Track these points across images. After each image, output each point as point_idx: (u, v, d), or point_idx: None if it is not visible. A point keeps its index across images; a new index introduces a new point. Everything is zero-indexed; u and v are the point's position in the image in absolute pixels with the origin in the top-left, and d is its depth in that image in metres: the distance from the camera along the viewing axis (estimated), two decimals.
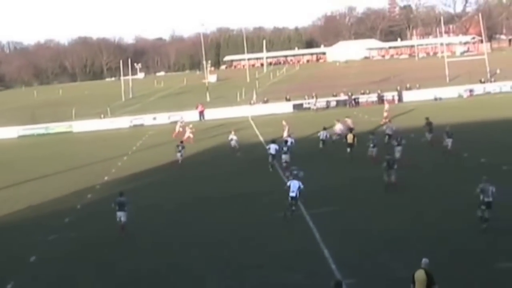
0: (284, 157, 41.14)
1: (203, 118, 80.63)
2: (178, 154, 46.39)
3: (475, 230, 24.46)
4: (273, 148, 42.08)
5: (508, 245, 22.73)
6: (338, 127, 50.57)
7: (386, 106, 64.57)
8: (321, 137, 46.31)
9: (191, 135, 59.04)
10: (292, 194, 28.87)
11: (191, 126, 62.02)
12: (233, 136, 50.83)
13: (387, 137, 45.16)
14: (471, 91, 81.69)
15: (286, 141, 44.06)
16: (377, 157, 39.23)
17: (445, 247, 23.03)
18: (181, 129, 64.44)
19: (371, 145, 41.15)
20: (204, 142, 57.59)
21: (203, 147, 55.06)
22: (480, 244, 22.99)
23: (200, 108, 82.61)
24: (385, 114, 59.88)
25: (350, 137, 43.08)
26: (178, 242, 27.04)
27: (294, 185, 29.02)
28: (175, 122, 69.36)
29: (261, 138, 57.38)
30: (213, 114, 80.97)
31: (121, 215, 28.53)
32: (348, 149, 42.43)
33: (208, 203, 33.84)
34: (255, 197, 33.94)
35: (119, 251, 26.61)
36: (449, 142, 41.54)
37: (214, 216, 30.87)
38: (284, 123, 52.97)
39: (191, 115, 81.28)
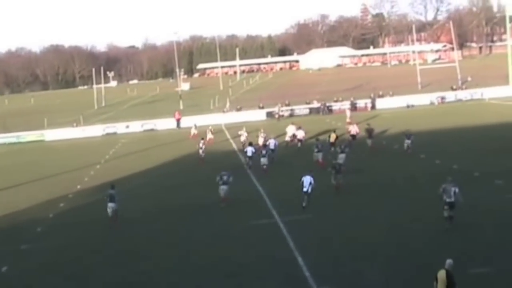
0: (263, 160, 42.24)
1: (179, 126, 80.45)
2: (200, 151, 48.69)
3: (448, 236, 24.62)
4: (249, 150, 44.03)
5: (480, 250, 22.88)
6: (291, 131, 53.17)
7: (348, 113, 67.65)
8: (271, 146, 46.25)
9: (212, 136, 60.15)
10: (304, 189, 30.63)
11: (210, 127, 63.01)
12: (243, 132, 53.44)
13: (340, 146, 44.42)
14: (442, 98, 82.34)
15: (265, 145, 45.52)
16: (324, 161, 41.45)
17: (419, 254, 23.13)
18: (196, 132, 65.36)
19: (316, 150, 43.18)
20: (177, 151, 57.39)
21: (177, 155, 54.88)
22: (453, 251, 23.11)
23: (177, 116, 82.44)
24: (348, 120, 62.56)
25: (333, 137, 47.11)
26: (148, 253, 26.81)
27: (306, 181, 30.68)
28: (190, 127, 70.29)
29: (234, 146, 57.32)
30: (187, 122, 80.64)
31: (112, 206, 31.02)
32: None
33: (181, 212, 33.68)
34: (228, 206, 33.79)
35: (91, 261, 26.39)
36: (407, 143, 44.31)
37: (189, 225, 30.72)
38: (261, 130, 53.01)
39: (165, 123, 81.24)
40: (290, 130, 54.05)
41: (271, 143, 46.23)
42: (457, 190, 25.68)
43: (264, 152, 42.75)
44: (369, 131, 48.46)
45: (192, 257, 25.50)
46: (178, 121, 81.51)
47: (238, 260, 24.59)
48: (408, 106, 78.67)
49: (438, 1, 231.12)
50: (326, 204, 32.15)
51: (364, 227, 27.25)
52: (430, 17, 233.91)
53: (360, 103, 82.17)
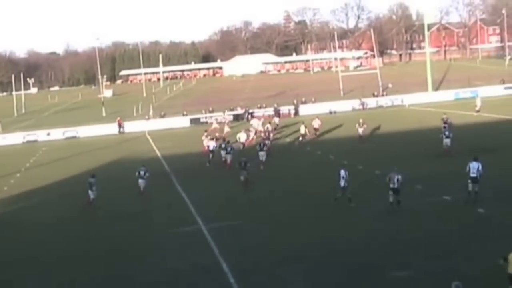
0: (228, 156, 44.90)
1: (121, 131, 79.60)
2: (223, 153, 45.70)
3: (371, 242, 25.00)
4: (211, 144, 48.20)
5: (400, 253, 23.28)
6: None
7: (276, 119, 69.40)
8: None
9: (229, 130, 62.59)
10: (340, 184, 30.89)
11: (228, 122, 66.43)
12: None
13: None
14: (363, 104, 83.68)
15: (228, 141, 47.66)
16: (231, 163, 43.40)
17: (343, 258, 23.38)
18: (217, 126, 67.05)
19: (224, 152, 45.29)
20: (101, 158, 56.68)
21: (101, 162, 54.16)
22: (374, 255, 23.46)
23: (119, 122, 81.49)
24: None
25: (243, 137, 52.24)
26: (70, 260, 26.36)
27: (342, 175, 30.89)
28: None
29: (158, 153, 56.96)
30: (110, 129, 79.83)
31: (91, 194, 35.25)
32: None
33: (104, 220, 33.26)
34: (153, 213, 33.59)
35: (14, 272, 25.74)
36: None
37: (111, 234, 30.32)
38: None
39: (88, 130, 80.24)
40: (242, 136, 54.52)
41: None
42: (400, 177, 28.88)
43: (229, 149, 45.27)
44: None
45: (116, 267, 25.16)
46: (120, 125, 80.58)
47: (164, 267, 24.38)
48: (330, 113, 79.67)
49: (359, 9, 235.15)
50: (250, 210, 32.23)
51: (288, 233, 27.37)
52: (351, 24, 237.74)
53: (284, 109, 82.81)
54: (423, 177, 35.43)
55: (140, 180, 37.65)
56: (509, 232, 24.60)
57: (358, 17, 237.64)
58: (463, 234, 24.93)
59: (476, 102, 68.21)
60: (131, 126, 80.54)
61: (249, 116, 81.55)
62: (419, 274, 21.09)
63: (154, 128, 79.22)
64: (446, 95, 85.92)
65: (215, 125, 67.87)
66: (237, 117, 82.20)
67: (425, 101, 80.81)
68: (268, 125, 58.78)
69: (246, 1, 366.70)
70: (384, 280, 21.06)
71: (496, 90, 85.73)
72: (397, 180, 28.87)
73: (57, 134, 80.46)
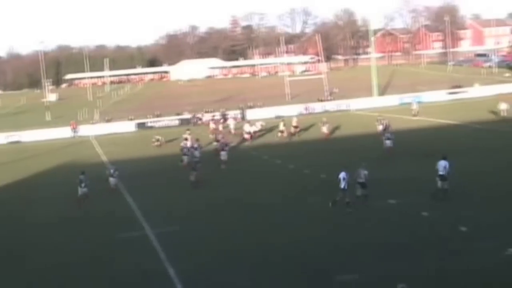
0: (185, 158, 46.33)
1: (75, 134, 78.56)
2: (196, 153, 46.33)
3: (317, 247, 25.14)
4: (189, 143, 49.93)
5: (346, 259, 23.45)
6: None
7: (232, 123, 69.76)
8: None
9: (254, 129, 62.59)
10: (341, 186, 30.56)
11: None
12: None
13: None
14: (306, 109, 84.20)
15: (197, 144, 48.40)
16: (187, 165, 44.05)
17: (289, 263, 23.46)
18: (214, 126, 67.90)
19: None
20: (46, 163, 55.88)
21: (46, 167, 53.42)
22: (320, 260, 23.59)
23: (73, 125, 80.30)
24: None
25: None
26: (21, 267, 25.94)
27: (343, 177, 30.52)
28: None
29: (103, 158, 56.41)
30: (54, 134, 78.68)
31: (80, 190, 36.01)
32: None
33: (50, 225, 32.79)
34: (98, 218, 33.24)
35: None
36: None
37: (55, 240, 29.89)
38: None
39: (32, 135, 78.94)
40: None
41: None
42: (366, 172, 31.16)
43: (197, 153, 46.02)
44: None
45: (62, 272, 24.82)
46: (74, 129, 79.45)
47: (109, 273, 24.15)
48: (277, 117, 79.85)
49: (306, 14, 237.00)
50: (197, 215, 32.15)
51: (234, 238, 27.36)
52: (298, 29, 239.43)
53: (230, 114, 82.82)
54: (369, 181, 35.74)
55: (110, 179, 39.50)
56: (451, 234, 25.03)
57: (305, 23, 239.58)
58: (408, 237, 25.23)
59: (412, 107, 70.15)
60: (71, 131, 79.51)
61: (196, 120, 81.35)
62: (365, 278, 21.27)
63: (99, 132, 78.43)
64: (391, 100, 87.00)
65: (212, 126, 68.22)
66: (183, 122, 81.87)
67: (370, 106, 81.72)
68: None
69: (193, 6, 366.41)
70: (330, 284, 21.19)
71: (440, 95, 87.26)
72: (364, 175, 31.09)
73: (0, 138, 78.94)
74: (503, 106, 63.86)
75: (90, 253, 27.03)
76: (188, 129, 57.84)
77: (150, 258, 25.38)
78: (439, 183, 30.66)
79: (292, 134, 60.51)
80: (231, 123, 69.73)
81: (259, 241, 26.49)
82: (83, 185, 36.23)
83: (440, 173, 30.65)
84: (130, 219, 32.30)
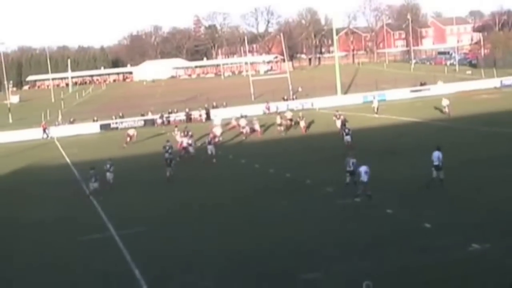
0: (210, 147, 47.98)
1: (47, 135, 77.61)
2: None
3: (281, 246, 25.20)
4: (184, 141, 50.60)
5: (311, 257, 23.54)
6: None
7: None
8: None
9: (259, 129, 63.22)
10: (435, 163, 31.70)
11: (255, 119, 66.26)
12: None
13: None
14: (268, 108, 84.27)
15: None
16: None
17: (253, 264, 23.49)
18: (235, 123, 67.05)
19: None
20: (4, 167, 55.22)
21: (5, 171, 52.78)
22: (284, 260, 23.64)
23: (44, 126, 79.36)
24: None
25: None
26: None
27: (364, 170, 31.20)
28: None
29: (67, 160, 55.92)
30: (15, 136, 77.71)
31: (92, 185, 37.34)
32: None
33: (12, 229, 32.42)
34: (62, 221, 32.95)
35: None
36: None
37: (16, 244, 29.57)
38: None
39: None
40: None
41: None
42: (354, 160, 32.94)
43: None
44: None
45: (22, 278, 24.56)
46: (44, 130, 78.52)
47: (72, 276, 23.95)
48: (242, 116, 79.74)
49: (269, 13, 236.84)
50: (163, 216, 32.04)
51: (200, 240, 27.30)
52: (261, 29, 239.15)
53: (195, 114, 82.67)
54: (333, 179, 35.96)
55: (107, 173, 39.84)
56: (415, 231, 25.28)
57: (268, 22, 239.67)
58: (373, 235, 25.41)
59: (373, 104, 71.43)
60: (39, 133, 78.60)
61: (165, 120, 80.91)
62: (330, 276, 21.39)
63: (63, 134, 77.64)
64: (355, 99, 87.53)
65: (234, 122, 68.24)
66: (148, 123, 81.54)
67: (334, 105, 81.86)
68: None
69: (156, 6, 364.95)
70: (295, 284, 21.27)
71: (403, 93, 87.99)
72: (352, 163, 32.89)
73: None
74: (445, 103, 65.64)
75: (53, 256, 26.80)
76: (186, 127, 58.99)
77: (115, 260, 25.22)
78: (434, 173, 32.03)
79: (288, 127, 62.98)
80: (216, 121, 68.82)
81: (223, 242, 26.46)
82: (93, 179, 37.33)
83: (435, 163, 32.01)
84: (94, 221, 32.04)
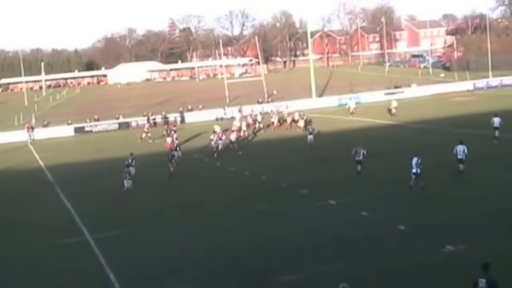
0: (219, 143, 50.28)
1: (31, 137, 76.96)
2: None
3: (261, 248, 25.22)
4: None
5: (290, 259, 23.57)
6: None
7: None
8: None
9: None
10: (413, 170, 31.69)
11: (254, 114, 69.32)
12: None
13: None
14: (240, 111, 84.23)
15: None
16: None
17: (233, 265, 23.47)
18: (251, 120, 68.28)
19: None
20: None
21: None
22: (264, 261, 23.65)
23: (28, 129, 78.63)
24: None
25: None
26: None
27: (414, 163, 31.70)
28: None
29: (41, 163, 55.47)
30: None
31: (127, 182, 37.78)
32: None
33: None
34: (36, 224, 32.70)
35: None
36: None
37: None
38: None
39: None
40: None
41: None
42: (365, 152, 36.11)
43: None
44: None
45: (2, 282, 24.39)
46: (29, 132, 77.82)
47: (47, 281, 23.78)
48: (217, 119, 79.78)
49: (244, 16, 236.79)
50: (137, 219, 31.91)
51: (176, 242, 27.24)
52: (236, 32, 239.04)
53: (170, 117, 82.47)
54: (309, 182, 36.12)
55: (130, 168, 40.27)
56: (391, 233, 25.39)
57: (243, 25, 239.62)
58: (349, 237, 25.50)
59: (348, 105, 73.39)
60: (12, 136, 77.94)
61: (152, 123, 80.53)
62: (309, 277, 21.44)
63: (37, 137, 77.11)
64: (330, 101, 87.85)
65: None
66: (122, 126, 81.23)
67: (309, 107, 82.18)
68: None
69: (130, 8, 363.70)
70: (275, 285, 21.28)
71: (378, 96, 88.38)
72: (362, 154, 36.00)
73: None
74: (393, 105, 68.57)
75: (26, 260, 26.57)
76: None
77: (90, 264, 25.08)
78: (461, 166, 33.37)
79: (290, 125, 65.14)
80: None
81: (200, 245, 26.43)
82: (128, 176, 37.92)
83: (459, 157, 33.32)
84: (69, 225, 31.85)
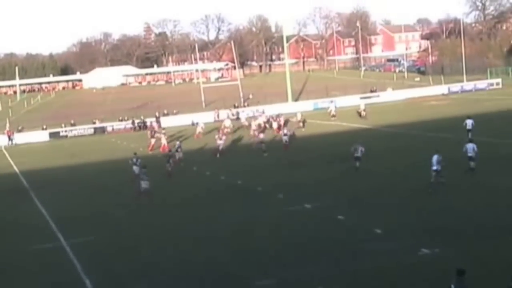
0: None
1: (11, 142, 76.67)
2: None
3: (234, 253, 25.20)
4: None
5: (264, 264, 23.58)
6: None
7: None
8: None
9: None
10: (434, 167, 32.05)
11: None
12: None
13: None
14: (218, 115, 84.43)
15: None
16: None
17: (206, 271, 23.42)
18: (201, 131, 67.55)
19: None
20: None
21: None
22: (237, 267, 23.65)
23: (8, 133, 78.02)
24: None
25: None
26: None
27: (435, 160, 32.04)
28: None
29: (16, 169, 55.08)
30: None
31: (144, 183, 36.54)
32: None
33: None
34: (9, 230, 32.44)
35: None
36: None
37: None
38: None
39: None
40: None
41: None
42: (363, 149, 37.95)
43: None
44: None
45: None
46: (9, 137, 77.21)
47: (22, 286, 23.60)
48: (193, 124, 79.65)
49: (219, 21, 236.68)
50: (113, 225, 31.78)
51: (151, 248, 27.12)
52: (212, 36, 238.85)
53: (147, 121, 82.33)
54: (284, 186, 36.20)
55: (134, 167, 41.58)
56: (367, 236, 25.49)
57: (219, 29, 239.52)
58: (325, 240, 25.53)
59: (330, 108, 75.14)
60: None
61: (140, 126, 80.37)
62: (284, 282, 21.42)
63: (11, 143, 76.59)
64: (306, 105, 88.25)
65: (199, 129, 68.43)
66: (98, 131, 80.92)
67: (285, 111, 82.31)
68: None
69: (105, 13, 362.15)
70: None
71: (353, 100, 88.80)
72: (361, 150, 37.81)
73: None
74: (362, 107, 71.89)
75: (0, 266, 26.34)
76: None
77: (65, 270, 24.87)
78: (472, 164, 34.61)
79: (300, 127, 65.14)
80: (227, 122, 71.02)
81: (176, 250, 26.37)
82: (145, 177, 37.13)
83: (469, 154, 34.63)
84: (43, 230, 31.61)
